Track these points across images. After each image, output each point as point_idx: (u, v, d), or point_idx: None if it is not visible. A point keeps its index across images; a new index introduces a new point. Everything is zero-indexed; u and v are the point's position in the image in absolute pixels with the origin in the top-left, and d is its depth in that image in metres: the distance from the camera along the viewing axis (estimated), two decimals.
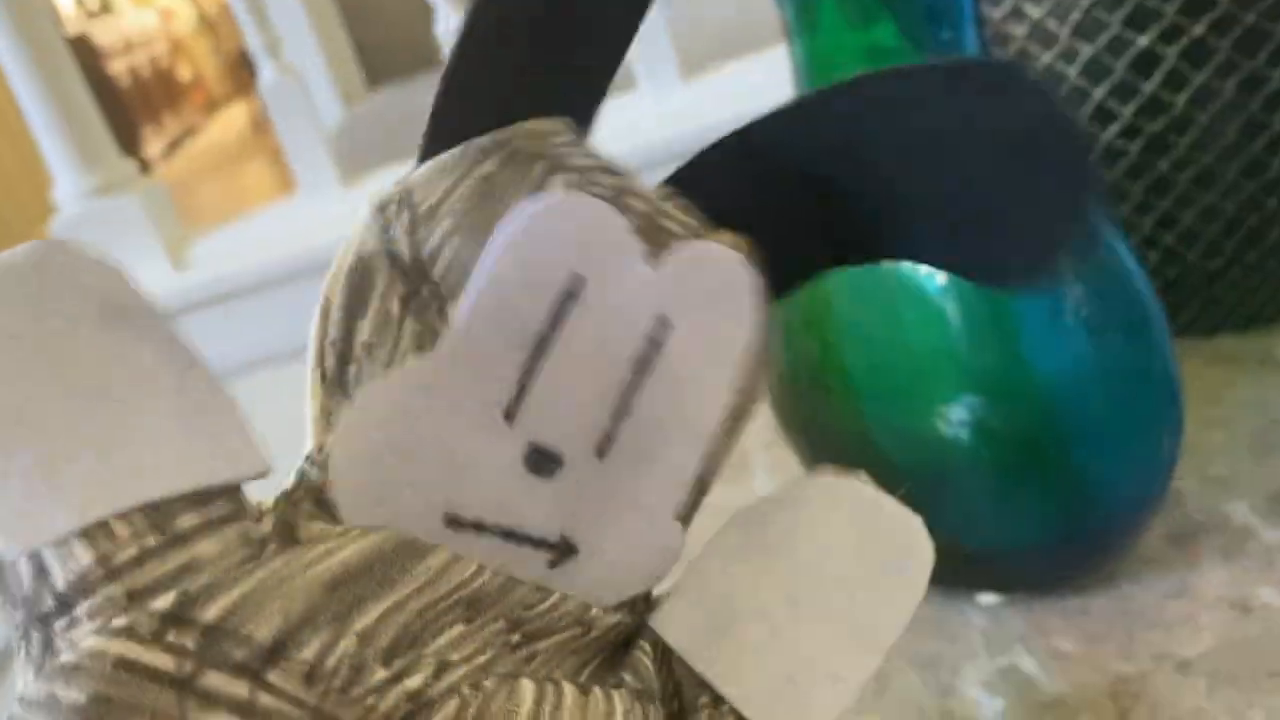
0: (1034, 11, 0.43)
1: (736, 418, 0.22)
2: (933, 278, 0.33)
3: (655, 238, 0.21)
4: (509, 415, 0.20)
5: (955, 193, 0.22)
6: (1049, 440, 0.34)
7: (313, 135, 0.87)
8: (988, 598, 0.37)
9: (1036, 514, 0.35)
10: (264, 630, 0.17)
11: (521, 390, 0.20)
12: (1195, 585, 0.35)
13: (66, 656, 0.16)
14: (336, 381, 0.20)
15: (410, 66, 2.21)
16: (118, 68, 3.25)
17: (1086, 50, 0.42)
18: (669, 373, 0.21)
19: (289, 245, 0.86)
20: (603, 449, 0.21)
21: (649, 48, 0.90)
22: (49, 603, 0.17)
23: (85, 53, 2.91)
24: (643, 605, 0.23)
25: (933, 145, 0.22)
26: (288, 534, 0.18)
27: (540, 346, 0.20)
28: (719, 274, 0.21)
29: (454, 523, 0.20)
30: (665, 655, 0.22)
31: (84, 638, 0.16)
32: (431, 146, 0.22)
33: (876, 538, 0.22)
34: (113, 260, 0.18)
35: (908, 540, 0.22)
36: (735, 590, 0.22)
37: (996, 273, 0.23)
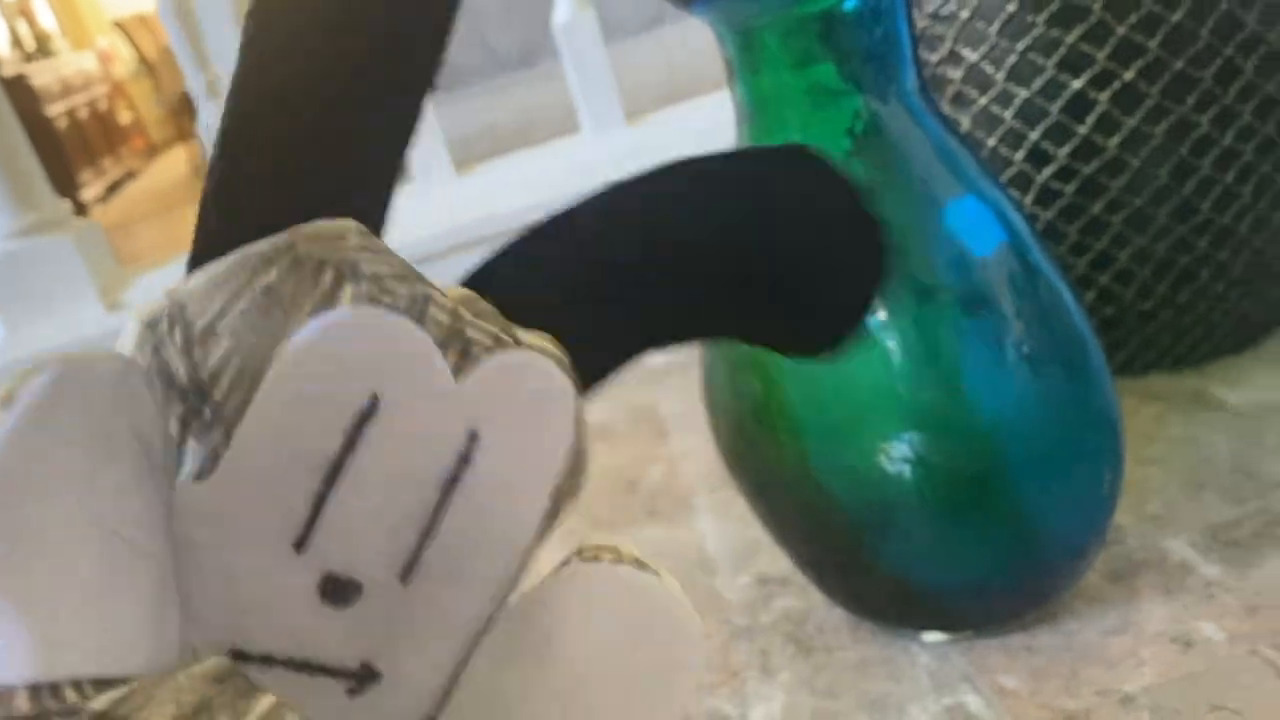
0: (970, 55, 0.43)
1: (553, 515, 0.21)
2: (875, 315, 0.34)
3: (460, 349, 0.19)
4: (299, 544, 0.18)
5: (757, 275, 0.23)
6: (992, 477, 0.34)
7: None
8: (933, 636, 0.37)
9: (980, 550, 0.35)
10: None
11: (314, 518, 0.18)
12: (1137, 621, 0.36)
13: None
14: None
15: None
16: (55, 110, 3.21)
17: (1021, 94, 0.43)
18: (479, 487, 0.19)
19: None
20: (407, 573, 0.19)
21: (594, 96, 0.91)
22: None
23: (22, 94, 2.87)
24: None
25: (734, 230, 0.22)
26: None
27: (333, 471, 0.18)
28: (529, 383, 0.20)
29: (240, 657, 0.18)
30: None
31: None
32: (202, 249, 0.19)
33: (641, 623, 0.21)
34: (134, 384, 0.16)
35: (672, 617, 0.21)
36: (507, 697, 0.21)
37: (799, 345, 0.24)
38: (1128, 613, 0.36)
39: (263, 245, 0.19)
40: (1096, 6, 0.41)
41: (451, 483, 0.19)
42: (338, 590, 0.19)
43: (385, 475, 0.18)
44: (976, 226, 0.33)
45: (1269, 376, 0.47)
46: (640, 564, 0.21)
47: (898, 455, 0.34)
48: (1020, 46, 0.42)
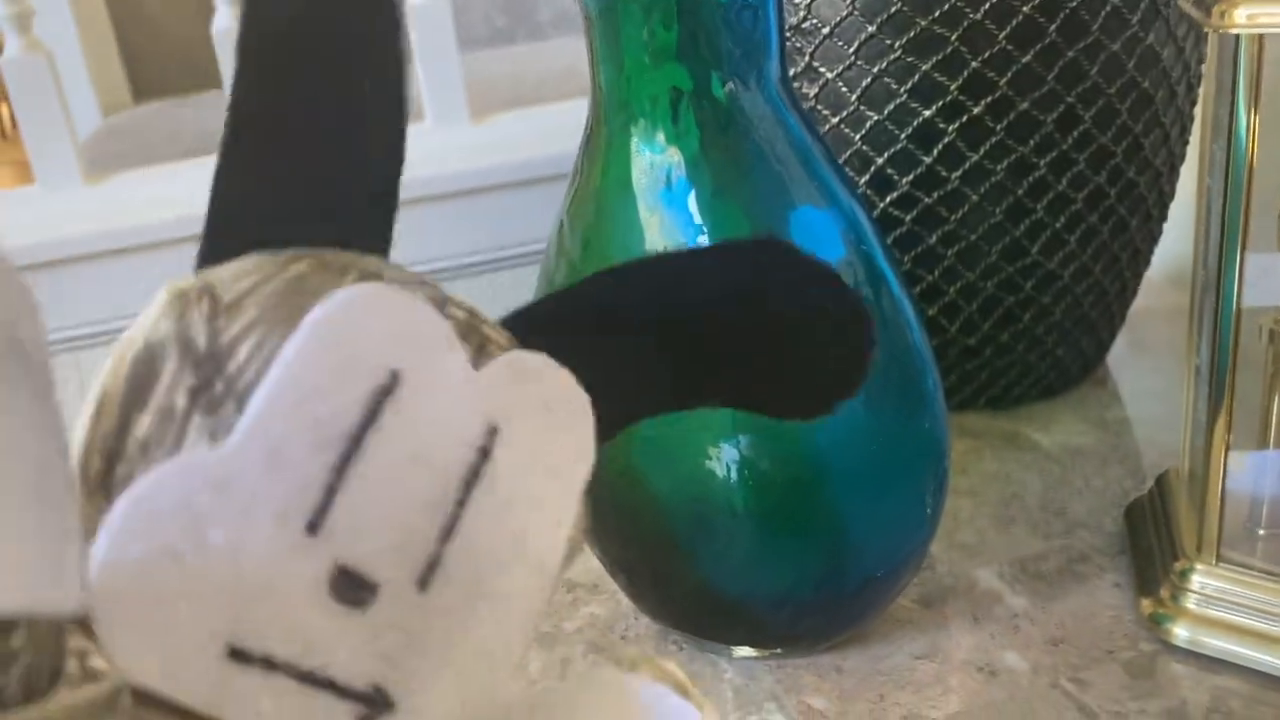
0: (827, 73, 0.43)
1: (575, 548, 0.20)
2: None
3: (477, 343, 0.19)
4: (312, 527, 0.17)
5: (752, 350, 0.24)
6: (815, 488, 0.33)
7: (59, 121, 0.79)
8: (742, 652, 0.36)
9: (796, 563, 0.34)
10: None
11: (328, 498, 0.17)
12: (945, 647, 0.35)
13: None
14: (100, 484, 0.17)
15: (182, 84, 2.09)
16: None
17: (873, 117, 0.43)
18: (501, 489, 0.19)
19: (27, 236, 0.78)
20: (426, 577, 0.18)
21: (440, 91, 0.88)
22: None
23: None
24: None
25: (732, 310, 0.23)
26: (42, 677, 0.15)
27: (350, 448, 0.17)
28: (548, 386, 0.19)
29: (238, 656, 0.17)
30: None
31: None
32: (213, 247, 0.19)
33: None
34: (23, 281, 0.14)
35: None
36: None
37: (798, 413, 0.26)
38: (937, 639, 0.36)
39: (293, 250, 0.19)
40: (953, 38, 0.41)
41: (472, 478, 0.18)
42: (351, 586, 0.17)
43: (403, 458, 0.18)
44: (826, 230, 0.33)
45: (1078, 423, 0.49)
46: (685, 690, 0.21)
47: (726, 458, 0.32)
48: (875, 69, 0.42)
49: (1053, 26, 0.41)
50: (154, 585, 0.16)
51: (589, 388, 0.20)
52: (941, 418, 0.34)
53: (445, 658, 0.19)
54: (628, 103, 0.32)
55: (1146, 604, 0.35)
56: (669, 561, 0.35)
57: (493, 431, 0.19)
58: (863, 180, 0.44)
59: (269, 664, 0.17)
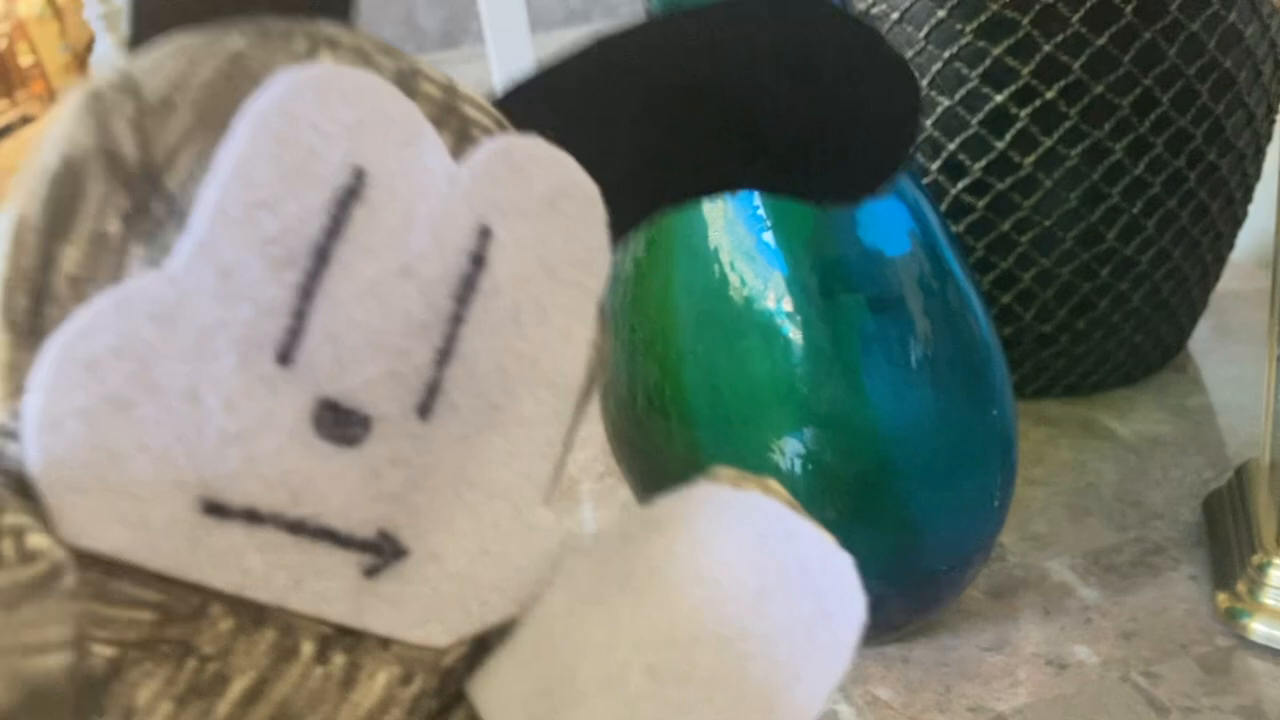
0: None
1: (591, 380, 0.17)
2: (780, 307, 0.32)
3: (456, 129, 0.16)
4: (284, 357, 0.15)
5: (792, 118, 0.20)
6: (883, 480, 0.33)
7: None
8: None
9: (865, 556, 0.33)
10: None
11: (297, 322, 0.15)
12: (1014, 640, 0.35)
13: None
14: (28, 328, 0.15)
15: None
16: None
17: (944, 103, 0.43)
18: (502, 300, 0.16)
19: None
20: (426, 405, 0.16)
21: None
22: None
23: None
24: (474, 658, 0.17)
25: (770, 72, 0.20)
26: None
27: (316, 263, 0.15)
28: (550, 176, 0.16)
29: (215, 510, 0.15)
30: None
31: None
32: (140, 34, 0.16)
33: (784, 581, 0.17)
34: None
35: (828, 587, 0.17)
36: (581, 645, 0.17)
37: (835, 193, 0.22)
38: (1006, 631, 0.35)
39: (222, 21, 0.16)
40: (1025, 21, 0.40)
41: (467, 289, 0.16)
42: (338, 422, 0.15)
43: (380, 271, 0.15)
44: (892, 224, 0.33)
45: (1157, 411, 0.48)
46: (795, 505, 0.18)
47: (790, 451, 0.33)
48: (946, 54, 0.42)
49: (1129, 7, 0.40)
50: (104, 441, 0.14)
51: (597, 174, 0.17)
52: (1010, 410, 0.34)
53: (459, 494, 0.16)
54: None
55: (1223, 598, 0.35)
56: None
57: (484, 234, 0.16)
58: (934, 166, 0.44)
59: (252, 516, 0.15)
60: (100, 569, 0.14)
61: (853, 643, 0.17)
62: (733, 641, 0.16)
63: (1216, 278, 0.50)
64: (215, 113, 0.15)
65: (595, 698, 0.16)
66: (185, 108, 0.15)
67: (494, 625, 0.17)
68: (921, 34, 0.42)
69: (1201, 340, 0.53)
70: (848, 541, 0.33)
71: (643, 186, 0.20)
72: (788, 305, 0.32)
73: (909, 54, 0.43)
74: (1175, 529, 0.39)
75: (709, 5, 0.20)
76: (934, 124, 0.43)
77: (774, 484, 0.18)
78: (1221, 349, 0.53)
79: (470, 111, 0.17)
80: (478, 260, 0.16)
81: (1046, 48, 0.41)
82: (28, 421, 0.14)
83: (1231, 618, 0.34)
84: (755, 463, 0.33)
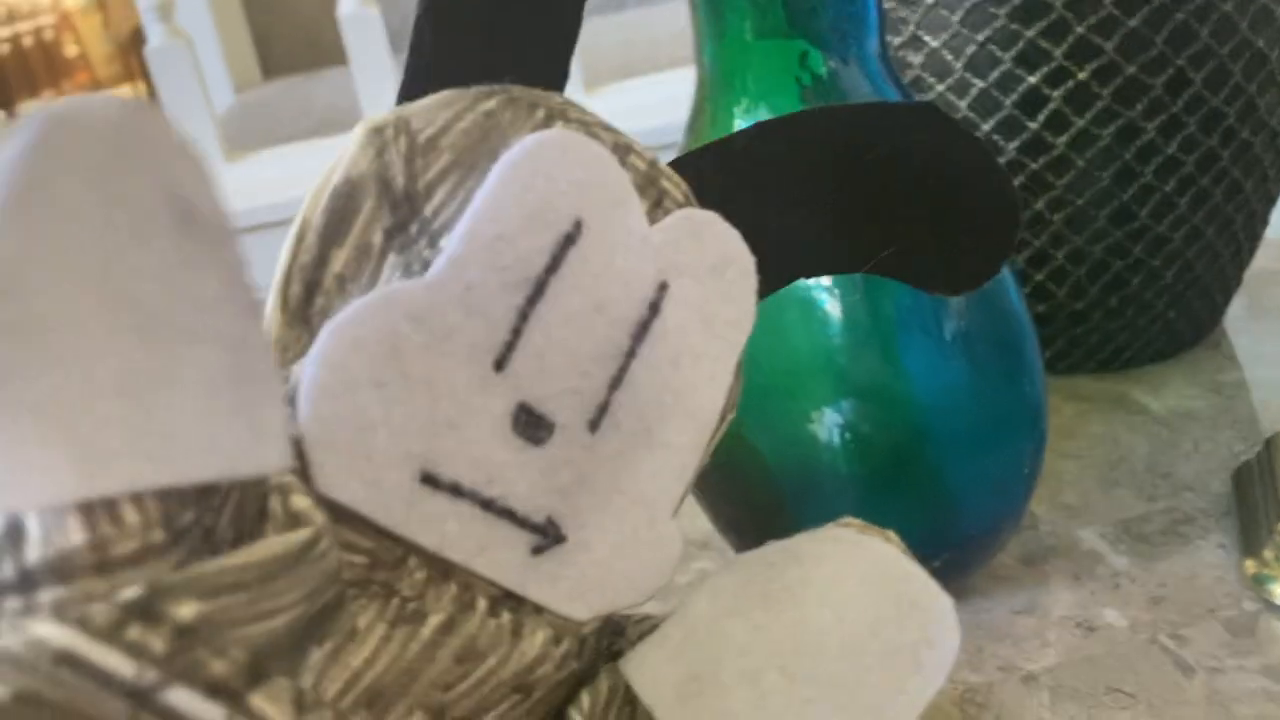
0: (931, 41, 0.44)
1: (729, 409, 0.21)
2: (819, 281, 0.34)
3: (654, 198, 0.20)
4: (499, 364, 0.18)
5: (917, 215, 0.24)
6: (918, 450, 0.34)
7: (199, 102, 0.84)
8: None
9: (900, 522, 0.35)
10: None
11: (515, 337, 0.18)
12: (1044, 603, 0.36)
13: (3, 640, 0.12)
14: (299, 313, 0.18)
15: (309, 62, 2.17)
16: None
17: (978, 85, 0.44)
18: (667, 343, 0.19)
19: None
20: (596, 421, 0.19)
21: None
22: (8, 572, 0.13)
23: None
24: (607, 642, 0.21)
25: (905, 174, 0.23)
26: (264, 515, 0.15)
27: (536, 290, 0.18)
28: (718, 246, 0.20)
29: (430, 481, 0.17)
30: (626, 708, 0.20)
31: (33, 624, 0.12)
32: (411, 87, 0.20)
33: (897, 612, 0.20)
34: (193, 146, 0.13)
35: (932, 621, 0.21)
36: (724, 645, 0.20)
37: (949, 285, 0.25)
38: (1036, 595, 0.37)
39: (481, 86, 0.19)
40: (1058, 4, 0.41)
41: (641, 330, 0.19)
42: (531, 423, 0.18)
43: (581, 305, 0.18)
44: None
45: (1190, 386, 0.48)
46: (908, 553, 0.21)
47: (829, 421, 0.34)
48: (980, 37, 0.43)
49: None
50: (359, 411, 0.17)
51: (751, 243, 0.21)
52: (1040, 382, 0.35)
53: (609, 499, 0.19)
54: (731, 82, 0.34)
55: (1250, 564, 0.36)
56: (775, 521, 0.36)
57: (663, 287, 0.19)
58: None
59: (456, 490, 0.18)
60: (335, 516, 0.17)
61: (948, 667, 0.21)
62: (851, 656, 0.20)
63: (1251, 255, 0.50)
64: (469, 157, 0.18)
65: (736, 688, 0.20)
66: (446, 150, 0.19)
67: (622, 609, 0.20)
68: (956, 17, 0.43)
69: (1236, 317, 0.54)
70: (884, 508, 0.35)
71: (785, 260, 0.23)
72: (826, 280, 0.34)
73: (944, 37, 0.44)
74: (1205, 499, 0.40)
75: (856, 105, 0.23)
76: (969, 106, 0.44)
77: (893, 535, 0.22)
78: (1256, 326, 0.53)
79: (667, 185, 0.20)
80: (654, 308, 0.19)
81: (1079, 29, 0.41)
82: (302, 386, 0.17)
83: (1258, 583, 0.35)
84: (794, 433, 0.35)
